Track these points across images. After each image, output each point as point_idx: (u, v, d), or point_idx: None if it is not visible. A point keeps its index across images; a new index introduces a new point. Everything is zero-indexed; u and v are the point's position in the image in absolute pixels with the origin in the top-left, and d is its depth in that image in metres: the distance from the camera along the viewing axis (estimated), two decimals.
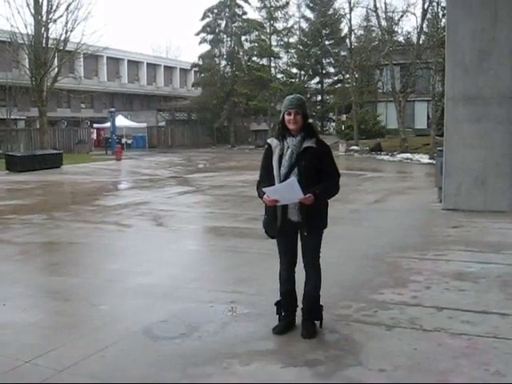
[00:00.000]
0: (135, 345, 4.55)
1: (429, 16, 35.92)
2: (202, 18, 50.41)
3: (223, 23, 50.38)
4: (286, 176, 4.50)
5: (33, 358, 4.12)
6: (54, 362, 4.17)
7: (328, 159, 4.67)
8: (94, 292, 6.14)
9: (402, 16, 37.55)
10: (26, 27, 32.43)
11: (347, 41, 45.07)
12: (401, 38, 41.12)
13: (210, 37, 50.66)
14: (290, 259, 4.89)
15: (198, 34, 50.81)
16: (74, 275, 6.92)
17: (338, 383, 3.89)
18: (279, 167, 4.57)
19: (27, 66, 33.91)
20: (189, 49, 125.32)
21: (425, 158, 28.76)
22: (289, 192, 4.39)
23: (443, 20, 31.43)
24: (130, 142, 44.62)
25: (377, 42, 40.62)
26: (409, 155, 30.92)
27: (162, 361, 4.19)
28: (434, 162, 16.10)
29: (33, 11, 32.19)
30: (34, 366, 3.88)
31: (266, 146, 4.78)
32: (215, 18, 50.21)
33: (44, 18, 32.81)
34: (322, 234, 4.79)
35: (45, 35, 33.04)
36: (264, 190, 4.49)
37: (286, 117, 4.57)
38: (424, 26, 36.08)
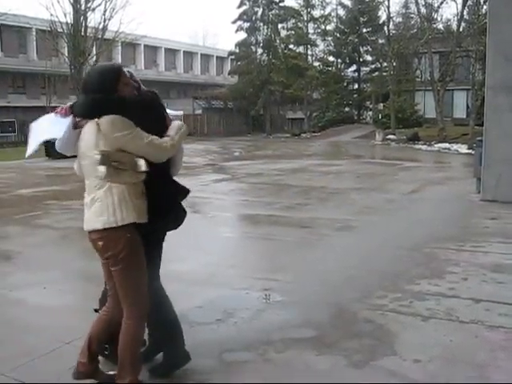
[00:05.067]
0: None
1: (470, 2, 35.21)
2: (239, 6, 50.32)
3: (260, 11, 50.16)
4: None
5: (72, 340, 4.22)
6: None
7: None
8: None
9: (441, 3, 36.91)
10: (65, 16, 32.92)
11: (385, 28, 44.48)
12: (440, 26, 40.40)
13: (246, 25, 50.52)
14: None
15: (234, 21, 50.73)
16: None
17: (372, 373, 3.89)
18: None
19: (66, 55, 34.39)
20: (225, 37, 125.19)
21: (463, 148, 28.25)
22: None
23: (484, 6, 30.79)
24: None
25: (416, 30, 39.98)
26: (447, 145, 30.42)
27: (197, 346, 4.24)
28: (473, 153, 15.82)
29: (72, 0, 32.59)
30: (73, 347, 3.97)
31: None
32: (252, 6, 50.02)
33: (83, 7, 33.21)
34: None
35: (83, 24, 33.46)
36: None
37: None
38: (464, 12, 35.38)
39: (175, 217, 3.74)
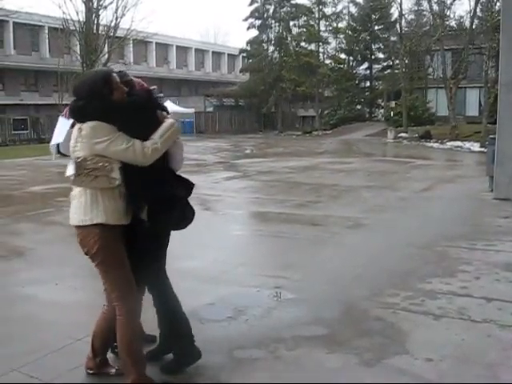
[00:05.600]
0: None
1: None
2: (250, 4, 50.26)
3: (271, 8, 50.10)
4: None
5: (84, 336, 4.23)
6: None
7: None
8: None
9: (454, 0, 36.63)
10: (77, 14, 33.06)
11: (397, 26, 44.23)
12: (453, 23, 40.13)
13: (258, 22, 50.49)
14: None
15: (246, 19, 50.72)
16: None
17: (384, 371, 3.88)
18: None
19: (78, 53, 34.55)
20: (237, 34, 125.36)
21: (476, 146, 28.08)
22: None
23: (498, 3, 30.54)
24: None
25: (428, 27, 39.74)
26: (459, 143, 30.24)
27: (208, 343, 4.25)
28: (486, 151, 15.71)
29: None
30: (85, 343, 3.98)
31: None
32: (263, 4, 49.95)
33: (95, 5, 33.33)
34: None
35: (95, 22, 33.59)
36: None
37: None
38: (477, 9, 35.09)
39: (182, 215, 3.72)
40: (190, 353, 3.89)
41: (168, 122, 3.62)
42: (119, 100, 3.48)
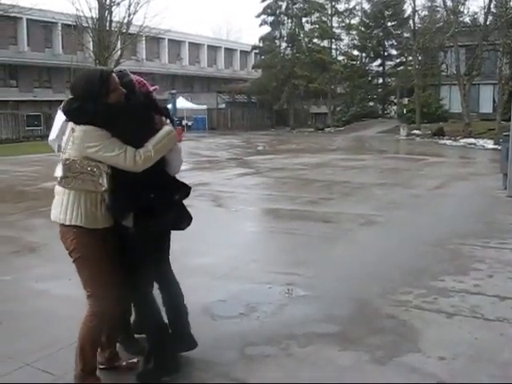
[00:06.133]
0: (194, 323, 4.63)
1: None
2: (263, 0, 50.13)
3: (284, 5, 49.93)
4: None
5: None
6: None
7: None
8: None
9: None
10: (90, 10, 33.15)
11: (410, 22, 43.90)
12: (467, 19, 39.75)
13: (270, 19, 50.35)
14: None
15: (258, 15, 50.58)
16: None
17: (396, 369, 3.86)
18: None
19: (91, 49, 34.66)
20: (249, 31, 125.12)
21: (489, 144, 27.88)
22: None
23: None
24: (190, 123, 45.10)
25: (441, 23, 39.43)
26: (472, 140, 30.04)
27: (220, 339, 4.26)
28: (499, 148, 15.61)
29: None
30: None
31: None
32: (276, 0, 49.85)
33: (108, 1, 33.40)
34: None
35: (108, 18, 33.67)
36: None
37: None
38: (492, 5, 34.77)
39: (177, 218, 3.73)
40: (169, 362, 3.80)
41: (165, 129, 3.55)
42: (116, 102, 3.41)
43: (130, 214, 3.50)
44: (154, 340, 3.79)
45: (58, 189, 3.49)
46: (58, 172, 3.40)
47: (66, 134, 3.44)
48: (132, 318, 4.15)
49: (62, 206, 3.43)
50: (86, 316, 3.55)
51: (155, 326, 3.78)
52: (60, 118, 3.60)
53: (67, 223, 3.42)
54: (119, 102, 3.42)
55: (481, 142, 29.38)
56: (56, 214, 3.48)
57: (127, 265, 3.58)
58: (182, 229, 3.80)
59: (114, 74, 3.48)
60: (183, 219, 3.77)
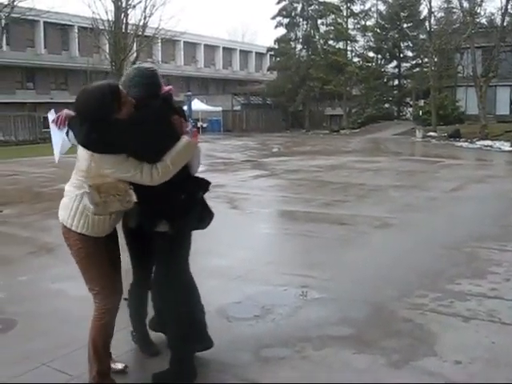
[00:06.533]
0: (210, 324, 4.63)
1: None
2: (278, 2, 50.16)
3: (299, 6, 49.94)
4: None
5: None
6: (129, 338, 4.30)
7: None
8: None
9: None
10: (106, 13, 33.48)
11: (426, 23, 43.67)
12: (483, 20, 39.50)
13: (285, 20, 50.37)
14: None
15: (273, 17, 50.63)
16: None
17: (412, 373, 3.84)
18: None
19: (107, 51, 34.91)
20: (265, 33, 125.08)
21: (506, 146, 27.65)
22: None
23: None
24: (205, 125, 45.20)
25: (458, 25, 39.21)
26: (489, 142, 29.81)
27: (235, 341, 4.26)
28: None
29: None
30: (114, 339, 4.01)
31: None
32: (291, 2, 49.83)
33: (124, 4, 33.64)
34: None
35: (124, 21, 33.94)
36: None
37: None
38: (509, 6, 34.54)
39: (199, 217, 3.75)
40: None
41: (183, 141, 3.46)
42: (127, 115, 3.32)
43: (162, 220, 3.52)
44: (178, 336, 3.80)
45: (69, 188, 3.50)
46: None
47: (83, 152, 3.36)
48: (148, 318, 4.17)
49: (71, 212, 3.43)
50: (95, 316, 3.58)
51: (188, 321, 3.81)
52: (57, 135, 3.46)
53: (73, 229, 3.45)
54: (130, 115, 3.33)
55: (497, 144, 29.14)
56: (64, 217, 3.49)
57: (160, 265, 3.66)
58: (205, 226, 3.82)
59: (120, 86, 3.39)
60: (209, 215, 3.81)
